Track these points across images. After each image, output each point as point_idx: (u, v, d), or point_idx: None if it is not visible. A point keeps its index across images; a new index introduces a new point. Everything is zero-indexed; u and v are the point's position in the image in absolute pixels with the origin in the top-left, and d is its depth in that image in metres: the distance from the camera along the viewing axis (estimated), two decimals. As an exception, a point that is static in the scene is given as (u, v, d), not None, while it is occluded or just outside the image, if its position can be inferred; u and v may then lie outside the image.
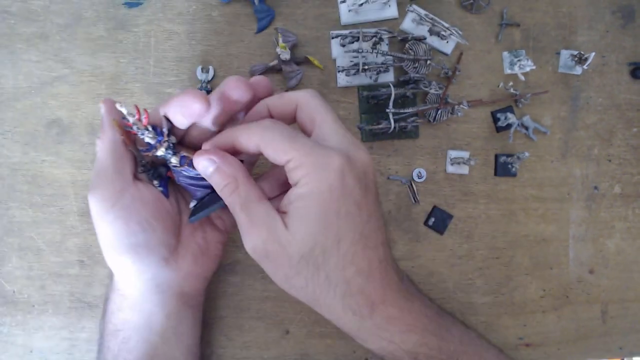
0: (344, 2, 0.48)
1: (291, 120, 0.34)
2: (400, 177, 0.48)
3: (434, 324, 0.36)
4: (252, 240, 0.30)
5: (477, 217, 0.49)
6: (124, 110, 0.31)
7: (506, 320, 0.49)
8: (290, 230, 0.30)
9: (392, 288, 0.33)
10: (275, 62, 0.47)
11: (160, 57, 0.48)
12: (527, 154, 0.46)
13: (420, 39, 0.47)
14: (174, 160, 0.33)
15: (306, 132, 0.33)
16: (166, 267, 0.36)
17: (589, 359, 0.50)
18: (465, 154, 0.48)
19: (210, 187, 0.34)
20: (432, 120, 0.48)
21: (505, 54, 0.50)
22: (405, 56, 0.46)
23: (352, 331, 0.34)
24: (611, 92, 0.51)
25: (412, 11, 0.47)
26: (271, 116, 0.34)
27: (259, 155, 0.36)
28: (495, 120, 0.49)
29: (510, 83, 0.48)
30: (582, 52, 0.48)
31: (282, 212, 0.31)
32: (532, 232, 0.49)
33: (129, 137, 0.33)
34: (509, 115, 0.47)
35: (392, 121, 0.45)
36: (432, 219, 0.48)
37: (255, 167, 0.48)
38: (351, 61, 0.47)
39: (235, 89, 0.32)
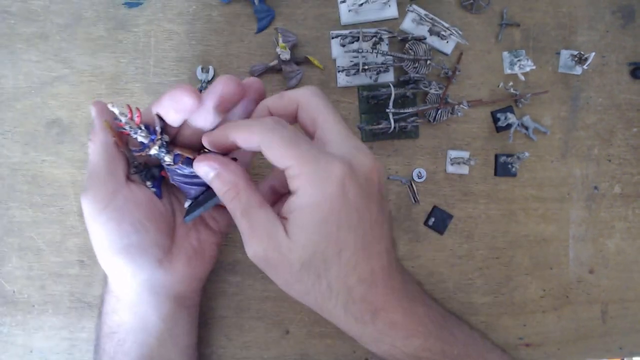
0: (344, 2, 0.48)
1: (293, 120, 0.33)
2: (400, 177, 0.48)
3: (437, 327, 0.36)
4: (253, 247, 0.30)
5: (477, 217, 0.49)
6: (116, 110, 0.31)
7: (506, 320, 0.49)
8: (291, 238, 0.29)
9: (395, 294, 0.33)
10: (275, 62, 0.47)
11: (160, 57, 0.48)
12: (527, 154, 0.46)
13: (420, 39, 0.47)
14: (167, 159, 0.33)
15: (308, 133, 0.33)
16: (160, 269, 0.36)
17: (588, 359, 0.50)
18: (465, 154, 0.48)
19: (204, 184, 0.34)
20: (432, 120, 0.48)
21: (505, 54, 0.50)
22: (405, 56, 0.46)
23: (355, 335, 0.34)
24: (611, 92, 0.51)
25: (412, 11, 0.47)
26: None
27: (256, 153, 0.36)
28: (495, 120, 0.49)
29: (510, 83, 0.48)
30: (582, 52, 0.48)
31: (283, 218, 0.30)
32: (532, 232, 0.49)
33: (121, 138, 0.33)
34: (509, 115, 0.47)
35: (392, 121, 0.45)
36: (432, 219, 0.48)
37: (255, 167, 0.48)
38: (351, 61, 0.47)
39: (225, 87, 0.31)
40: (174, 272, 0.36)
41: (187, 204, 0.36)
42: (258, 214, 0.30)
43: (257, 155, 0.33)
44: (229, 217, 0.32)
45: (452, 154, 0.48)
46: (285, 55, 0.45)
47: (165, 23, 0.48)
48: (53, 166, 0.47)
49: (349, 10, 0.48)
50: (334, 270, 0.30)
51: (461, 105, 0.45)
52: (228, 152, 0.33)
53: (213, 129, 0.33)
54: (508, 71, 0.49)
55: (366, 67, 0.46)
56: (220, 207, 0.39)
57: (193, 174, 0.33)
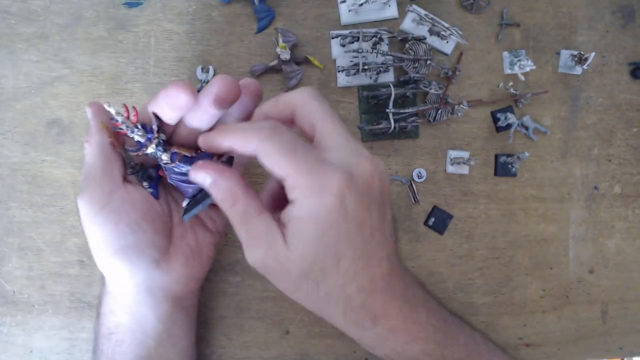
0: (344, 2, 0.48)
1: (291, 124, 0.33)
2: (400, 177, 0.48)
3: (439, 332, 0.35)
4: (252, 254, 0.30)
5: (477, 217, 0.49)
6: (112, 110, 0.31)
7: (506, 320, 0.49)
8: (290, 247, 0.29)
9: (396, 300, 0.32)
10: (275, 62, 0.47)
11: (160, 57, 0.48)
12: (527, 154, 0.46)
13: (420, 39, 0.47)
14: (164, 157, 0.33)
15: (307, 138, 0.32)
16: (157, 269, 0.36)
17: (588, 359, 0.50)
18: (465, 154, 0.48)
19: None
20: (432, 120, 0.48)
21: (505, 54, 0.50)
22: (405, 56, 0.46)
23: (354, 338, 0.34)
24: (611, 92, 0.51)
25: (412, 11, 0.47)
26: None
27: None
28: (495, 120, 0.49)
29: (510, 83, 0.48)
30: (582, 52, 0.48)
31: (282, 225, 0.30)
32: (532, 232, 0.49)
33: (117, 138, 0.33)
34: (509, 115, 0.47)
35: (392, 121, 0.45)
36: (432, 219, 0.48)
37: (257, 167, 0.48)
38: (351, 61, 0.47)
39: (221, 86, 0.31)
40: (171, 273, 0.36)
41: (184, 203, 0.36)
42: (256, 222, 0.30)
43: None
44: (226, 217, 0.32)
45: (452, 154, 0.48)
46: (285, 55, 0.45)
47: (165, 23, 0.48)
48: (53, 166, 0.47)
49: (349, 10, 0.48)
50: (332, 279, 0.29)
51: (461, 105, 0.45)
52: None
53: (209, 129, 0.33)
54: (508, 71, 0.49)
55: (366, 67, 0.46)
56: (218, 207, 0.39)
57: None
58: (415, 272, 0.48)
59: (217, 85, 0.30)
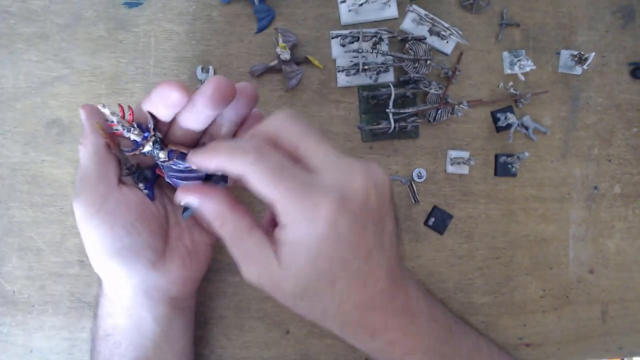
0: (344, 2, 0.48)
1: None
2: (400, 177, 0.48)
3: (440, 343, 0.35)
4: (246, 272, 0.30)
5: (477, 217, 0.49)
6: (107, 111, 0.31)
7: (506, 320, 0.49)
8: (282, 267, 0.28)
9: (395, 315, 0.32)
10: (275, 62, 0.47)
11: (160, 57, 0.48)
12: (527, 154, 0.46)
13: (420, 39, 0.47)
14: (162, 155, 0.33)
15: (294, 159, 0.29)
16: (154, 271, 0.35)
17: (588, 359, 0.50)
18: (465, 154, 0.48)
19: (200, 179, 0.34)
20: (432, 120, 0.48)
21: (505, 54, 0.50)
22: (405, 56, 0.46)
23: (354, 346, 0.34)
24: (611, 92, 0.51)
25: (412, 11, 0.47)
26: None
27: None
28: (495, 120, 0.49)
29: (510, 83, 0.48)
30: (582, 52, 0.48)
31: (275, 244, 0.29)
32: (532, 232, 0.49)
33: (113, 139, 0.33)
34: (509, 115, 0.47)
35: (392, 121, 0.45)
36: (432, 219, 0.48)
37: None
38: (351, 61, 0.47)
39: (216, 87, 0.30)
40: (168, 274, 0.36)
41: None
42: (247, 240, 0.29)
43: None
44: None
45: (452, 154, 0.48)
46: (285, 55, 0.45)
47: (165, 23, 0.48)
48: (53, 166, 0.47)
49: (349, 10, 0.48)
50: (327, 299, 0.29)
51: (461, 105, 0.45)
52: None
53: (205, 130, 0.33)
54: (508, 71, 0.49)
55: (366, 67, 0.46)
56: None
57: (188, 168, 0.33)
58: (415, 272, 0.48)
59: (211, 86, 0.30)
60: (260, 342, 0.47)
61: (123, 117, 0.31)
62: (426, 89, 0.46)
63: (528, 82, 0.50)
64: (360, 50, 0.46)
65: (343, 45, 0.48)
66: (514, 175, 0.49)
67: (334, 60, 0.48)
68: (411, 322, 0.33)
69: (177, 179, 0.34)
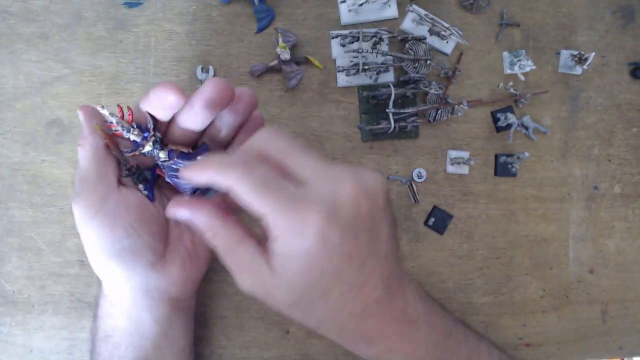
0: (344, 2, 0.48)
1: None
2: (400, 177, 0.48)
3: (438, 349, 0.35)
4: (241, 282, 0.30)
5: (477, 217, 0.49)
6: (106, 112, 0.31)
7: (506, 320, 0.49)
8: (275, 276, 0.28)
9: (392, 323, 0.32)
10: (275, 62, 0.47)
11: (160, 57, 0.48)
12: (527, 154, 0.46)
13: (420, 39, 0.47)
14: (162, 155, 0.33)
15: (283, 174, 0.29)
16: (154, 272, 0.35)
17: (588, 359, 0.50)
18: (465, 154, 0.48)
19: None
20: (432, 120, 0.48)
21: (505, 54, 0.50)
22: (405, 56, 0.46)
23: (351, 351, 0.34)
24: (611, 92, 0.51)
25: (412, 11, 0.47)
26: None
27: None
28: (495, 120, 0.49)
29: (510, 83, 0.48)
30: (582, 52, 0.48)
31: (267, 254, 0.29)
32: (532, 232, 0.49)
33: (112, 140, 0.33)
34: (509, 115, 0.47)
35: (392, 121, 0.45)
36: (432, 219, 0.48)
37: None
38: (351, 61, 0.47)
39: (214, 89, 0.31)
40: (167, 275, 0.36)
41: None
42: (240, 251, 0.29)
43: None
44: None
45: (452, 154, 0.48)
46: (285, 55, 0.45)
47: (165, 23, 0.48)
48: (53, 166, 0.47)
49: (349, 10, 0.48)
50: (321, 309, 0.29)
51: (461, 105, 0.45)
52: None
53: (203, 130, 0.34)
54: (508, 71, 0.49)
55: (366, 67, 0.46)
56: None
57: None
58: (415, 272, 0.48)
59: (209, 88, 0.31)
60: (260, 342, 0.47)
61: (122, 117, 0.31)
62: (426, 89, 0.46)
63: (528, 82, 0.50)
64: (360, 50, 0.46)
65: (343, 45, 0.48)
66: (514, 175, 0.49)
67: (334, 60, 0.48)
68: (409, 329, 0.33)
69: (177, 178, 0.34)
